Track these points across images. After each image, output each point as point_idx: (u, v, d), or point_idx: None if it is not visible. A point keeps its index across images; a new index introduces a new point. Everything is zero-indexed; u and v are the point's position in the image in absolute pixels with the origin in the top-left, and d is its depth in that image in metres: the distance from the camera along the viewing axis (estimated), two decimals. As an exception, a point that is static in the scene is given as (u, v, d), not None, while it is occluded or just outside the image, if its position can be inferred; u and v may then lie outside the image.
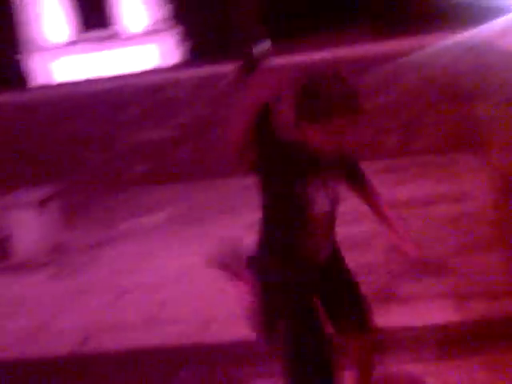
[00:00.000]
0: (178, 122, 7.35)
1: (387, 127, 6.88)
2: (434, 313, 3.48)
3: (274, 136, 2.31)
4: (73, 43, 21.37)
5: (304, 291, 2.47)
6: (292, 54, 6.84)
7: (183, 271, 4.60)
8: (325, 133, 2.24)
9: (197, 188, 6.82)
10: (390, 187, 5.54)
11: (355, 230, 4.64)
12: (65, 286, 4.72)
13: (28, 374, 3.66)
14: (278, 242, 2.45)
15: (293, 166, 2.33)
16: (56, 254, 5.37)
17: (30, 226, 5.32)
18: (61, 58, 21.15)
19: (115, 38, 20.95)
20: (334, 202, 2.40)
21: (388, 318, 2.95)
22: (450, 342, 3.28)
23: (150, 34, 20.45)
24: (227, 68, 7.11)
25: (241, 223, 5.39)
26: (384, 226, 2.55)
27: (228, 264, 2.64)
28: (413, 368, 3.17)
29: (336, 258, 2.57)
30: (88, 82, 8.88)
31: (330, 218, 2.42)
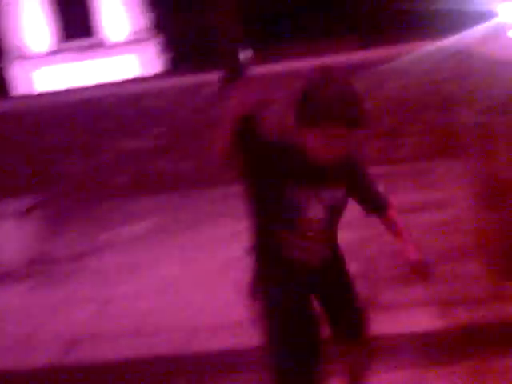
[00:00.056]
0: (159, 132, 7.34)
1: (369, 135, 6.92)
2: (417, 320, 3.48)
3: (259, 143, 2.31)
4: (54, 53, 21.29)
5: (297, 293, 2.46)
6: (274, 63, 6.87)
7: (167, 281, 4.57)
8: (323, 138, 2.22)
9: (180, 197, 6.80)
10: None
11: (339, 238, 4.64)
12: (48, 296, 4.68)
13: (11, 385, 3.62)
14: (267, 246, 2.43)
15: (283, 170, 2.32)
16: (39, 264, 5.32)
17: (12, 236, 5.27)
18: (42, 67, 21.06)
19: (97, 47, 20.90)
20: (332, 208, 2.37)
21: (371, 326, 2.94)
22: (433, 350, 3.28)
23: (131, 43, 20.43)
24: (209, 77, 7.12)
25: (224, 232, 5.38)
26: (390, 232, 2.57)
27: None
28: (397, 376, 3.17)
29: (335, 262, 2.55)
30: (69, 91, 8.85)
31: (326, 225, 2.39)
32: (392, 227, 2.56)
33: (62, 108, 7.50)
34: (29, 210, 5.40)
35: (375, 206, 2.53)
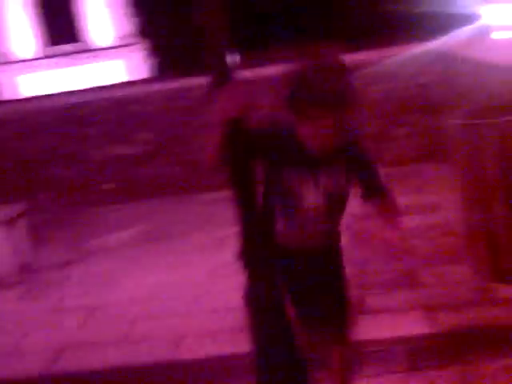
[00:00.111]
0: (145, 137, 7.31)
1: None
2: (403, 325, 3.49)
3: (252, 134, 2.31)
4: (40, 58, 21.22)
5: (286, 279, 2.47)
6: (261, 67, 6.86)
7: (154, 288, 4.55)
8: (311, 124, 2.21)
9: (166, 204, 6.78)
10: (357, 199, 5.56)
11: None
12: (34, 305, 4.65)
13: (-2, 395, 3.60)
14: (262, 229, 2.43)
15: (278, 159, 2.34)
16: (25, 273, 5.28)
17: (-3, 244, 5.23)
18: (27, 73, 20.98)
19: (82, 52, 20.85)
20: (332, 195, 2.36)
21: (357, 330, 2.94)
22: (419, 354, 3.28)
23: (117, 48, 20.39)
24: (196, 82, 7.11)
25: (212, 238, 5.37)
26: (383, 218, 2.48)
27: None
28: (383, 380, 3.16)
29: (330, 251, 2.54)
30: (55, 96, 8.80)
31: (325, 213, 2.38)
32: (386, 213, 2.47)
33: (48, 113, 7.45)
34: (14, 219, 5.36)
35: (374, 190, 2.46)
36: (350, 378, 2.70)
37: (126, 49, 19.99)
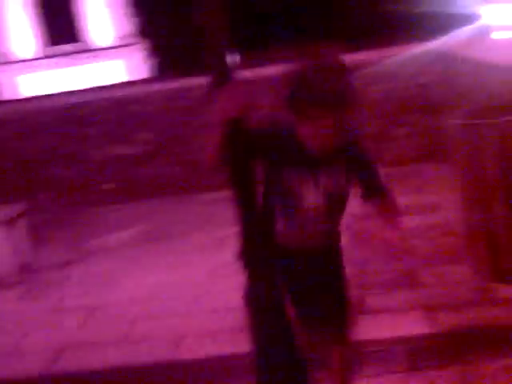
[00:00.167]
0: (145, 137, 7.31)
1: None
2: (403, 325, 3.48)
3: (252, 134, 2.31)
4: (40, 58, 21.23)
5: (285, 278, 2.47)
6: (261, 67, 6.86)
7: (154, 288, 4.55)
8: (311, 124, 2.21)
9: (166, 204, 6.78)
10: (357, 199, 5.56)
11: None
12: (34, 305, 4.65)
13: (-2, 395, 3.60)
14: (262, 229, 2.44)
15: (278, 158, 2.34)
16: (25, 273, 5.28)
17: (-3, 244, 5.23)
18: (28, 73, 20.98)
19: (82, 52, 20.85)
20: (332, 195, 2.36)
21: (357, 330, 2.95)
22: (419, 354, 3.28)
23: (117, 48, 20.40)
24: (196, 82, 7.10)
25: (212, 238, 5.37)
26: (383, 217, 2.47)
27: None
28: (384, 380, 3.16)
29: (331, 251, 2.53)
30: (55, 96, 8.79)
31: (325, 213, 2.38)
32: (386, 213, 2.46)
33: (48, 113, 7.44)
34: (14, 219, 5.36)
35: (374, 190, 2.45)
36: (350, 378, 2.70)
37: (126, 49, 20.00)
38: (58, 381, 3.59)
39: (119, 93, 7.84)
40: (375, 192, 2.45)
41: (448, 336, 3.37)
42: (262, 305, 2.51)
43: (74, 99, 7.77)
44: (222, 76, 2.34)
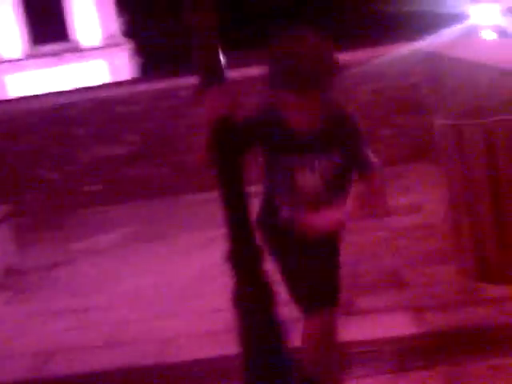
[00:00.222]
0: (133, 138, 7.28)
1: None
2: (391, 325, 3.48)
3: (242, 123, 2.34)
4: (26, 58, 21.14)
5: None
6: (247, 67, 6.85)
7: (141, 290, 4.53)
8: (292, 104, 2.21)
9: (154, 205, 6.76)
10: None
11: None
12: (21, 308, 4.61)
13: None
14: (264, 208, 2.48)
15: (271, 143, 2.35)
16: (11, 276, 5.25)
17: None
18: (14, 72, 20.88)
19: (69, 52, 20.77)
20: (329, 176, 2.34)
21: (345, 331, 2.95)
22: (407, 355, 3.27)
23: (104, 48, 20.33)
24: (183, 82, 7.09)
25: (199, 239, 5.35)
26: (367, 193, 2.40)
27: None
28: (371, 382, 3.16)
29: (331, 236, 2.49)
30: (42, 97, 8.75)
31: (324, 194, 2.36)
32: (370, 189, 2.39)
33: (34, 114, 7.41)
34: (0, 220, 5.32)
35: (362, 168, 2.38)
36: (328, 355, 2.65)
37: (113, 49, 19.95)
38: (47, 384, 3.57)
39: (106, 93, 7.82)
40: (363, 171, 2.39)
41: (435, 336, 3.37)
42: (249, 306, 2.51)
43: (60, 100, 7.73)
44: (211, 76, 2.34)
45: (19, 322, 4.34)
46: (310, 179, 2.35)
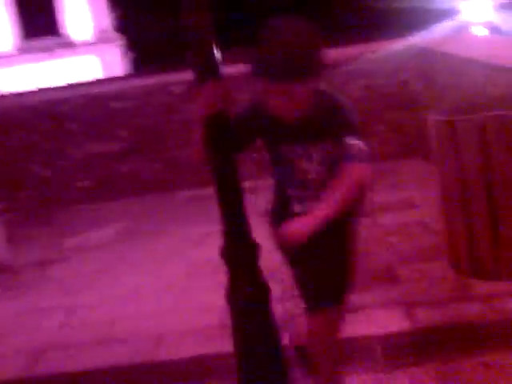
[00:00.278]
0: (125, 134, 7.26)
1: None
2: (382, 322, 3.48)
3: (235, 116, 2.35)
4: (17, 52, 21.03)
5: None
6: (241, 63, 6.84)
7: (133, 287, 4.51)
8: (274, 94, 2.22)
9: (146, 201, 6.74)
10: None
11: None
12: (11, 306, 4.57)
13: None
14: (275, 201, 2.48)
15: (265, 134, 2.37)
16: (2, 272, 5.21)
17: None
18: (4, 67, 20.77)
19: (61, 47, 20.68)
20: (326, 164, 2.32)
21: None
22: (398, 351, 3.28)
23: (96, 43, 20.25)
24: (176, 78, 7.08)
25: (192, 236, 5.34)
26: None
27: None
28: (362, 378, 3.16)
29: (336, 225, 2.38)
30: (33, 92, 8.71)
31: (324, 183, 2.31)
32: (336, 182, 2.26)
33: (27, 109, 7.38)
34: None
35: (341, 159, 2.28)
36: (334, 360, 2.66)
37: (106, 44, 19.88)
38: (37, 383, 3.55)
39: (98, 89, 7.79)
40: (342, 162, 2.28)
41: (427, 333, 3.38)
42: (244, 303, 2.50)
43: (53, 95, 7.70)
44: (207, 72, 2.34)
45: (10, 320, 4.32)
46: (308, 168, 2.35)
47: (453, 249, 3.93)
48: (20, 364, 3.67)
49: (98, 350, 3.70)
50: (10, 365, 3.68)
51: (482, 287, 3.67)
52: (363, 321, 3.52)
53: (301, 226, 2.22)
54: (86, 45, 20.55)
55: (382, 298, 3.76)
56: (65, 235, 6.02)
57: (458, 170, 3.73)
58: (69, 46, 20.73)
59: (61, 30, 20.95)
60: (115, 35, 19.15)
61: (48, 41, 21.01)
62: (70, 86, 8.74)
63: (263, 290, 2.52)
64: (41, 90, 8.83)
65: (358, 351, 3.32)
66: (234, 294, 2.52)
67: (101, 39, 20.05)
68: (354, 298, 3.76)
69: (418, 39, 6.99)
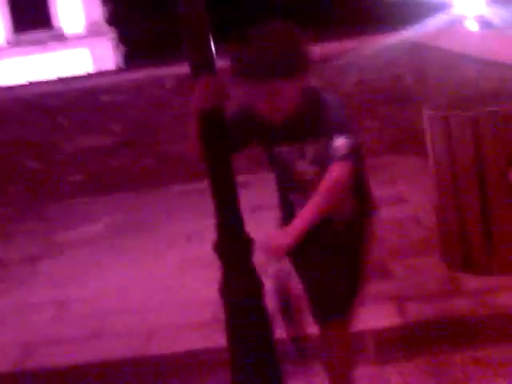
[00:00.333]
0: (116, 128, 7.23)
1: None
2: (373, 317, 3.48)
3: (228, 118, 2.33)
4: (7, 46, 20.91)
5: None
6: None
7: (125, 282, 4.50)
8: (256, 94, 2.22)
9: (138, 196, 6.71)
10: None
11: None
12: (2, 301, 4.56)
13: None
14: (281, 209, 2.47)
15: (258, 136, 2.37)
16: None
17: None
18: (-4, 61, 20.65)
19: (52, 40, 20.58)
20: (321, 164, 2.25)
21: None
22: (389, 346, 3.29)
23: (88, 36, 20.16)
24: (168, 71, 7.06)
25: (183, 230, 5.33)
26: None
27: None
28: (355, 372, 3.17)
29: (333, 227, 2.39)
30: (24, 86, 8.66)
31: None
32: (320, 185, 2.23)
33: (18, 103, 7.33)
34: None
35: (330, 156, 2.22)
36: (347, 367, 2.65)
37: (97, 37, 19.79)
38: (29, 378, 3.54)
39: (90, 82, 7.76)
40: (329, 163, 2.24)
41: (418, 327, 3.39)
42: (237, 298, 2.50)
43: (44, 89, 7.66)
44: (203, 67, 2.33)
45: (0, 314, 4.30)
46: (304, 169, 2.34)
47: (445, 243, 3.94)
48: (11, 358, 3.65)
49: (89, 344, 3.69)
50: (3, 358, 3.66)
51: (473, 282, 3.68)
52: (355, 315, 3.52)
53: (279, 240, 2.23)
54: (78, 38, 20.45)
55: (373, 292, 3.76)
56: (56, 229, 6.00)
57: (451, 164, 3.74)
58: (60, 38, 20.62)
59: (52, 23, 20.83)
60: (107, 28, 19.06)
61: (39, 34, 20.89)
62: (62, 80, 8.70)
63: (257, 285, 2.52)
64: (32, 84, 8.78)
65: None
66: (228, 289, 2.52)
67: (92, 32, 19.96)
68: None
69: (412, 33, 6.98)
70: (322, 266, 2.45)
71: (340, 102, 2.35)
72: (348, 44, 7.00)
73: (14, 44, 20.78)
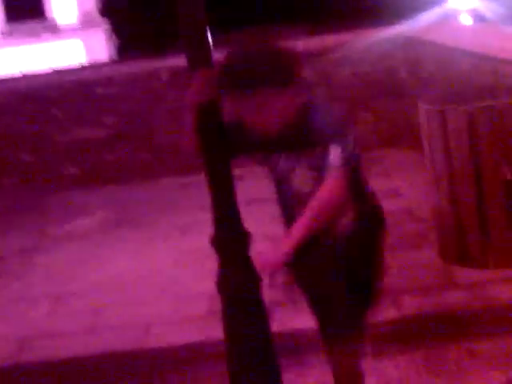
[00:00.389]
0: (111, 121, 7.20)
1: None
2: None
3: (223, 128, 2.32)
4: (1, 36, 20.79)
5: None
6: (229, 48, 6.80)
7: (120, 275, 4.49)
8: (244, 109, 2.21)
9: (133, 189, 6.70)
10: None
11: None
12: (-3, 295, 4.56)
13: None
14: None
15: (254, 148, 2.35)
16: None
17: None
18: (-11, 52, 20.54)
19: (46, 30, 20.47)
20: (318, 175, 2.21)
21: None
22: (384, 339, 3.29)
23: (81, 27, 20.06)
24: (163, 64, 7.04)
25: (178, 224, 5.33)
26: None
27: None
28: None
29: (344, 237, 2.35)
30: (18, 78, 8.62)
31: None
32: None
33: (12, 94, 7.30)
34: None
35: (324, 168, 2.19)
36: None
37: (91, 28, 19.71)
38: (24, 371, 3.54)
39: (84, 74, 7.72)
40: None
41: (413, 320, 3.40)
42: (234, 291, 2.51)
43: (38, 80, 7.63)
44: (200, 60, 2.33)
45: (-3, 308, 4.30)
46: (300, 180, 2.31)
47: (441, 236, 3.96)
48: (7, 352, 3.65)
49: (85, 337, 3.70)
50: (-3, 352, 3.67)
51: (468, 275, 3.70)
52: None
53: (269, 257, 2.23)
54: (71, 29, 20.35)
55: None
56: (51, 223, 5.98)
57: (447, 158, 3.75)
58: (53, 29, 20.52)
59: (45, 14, 20.72)
60: (100, 19, 18.97)
61: (32, 24, 20.77)
62: (56, 72, 8.65)
63: (253, 278, 2.52)
64: (26, 76, 8.73)
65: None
66: (224, 282, 2.52)
67: (86, 23, 19.87)
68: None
69: (406, 27, 6.98)
70: (322, 278, 2.41)
71: (332, 105, 2.34)
72: (343, 37, 6.98)
73: (7, 34, 20.66)
